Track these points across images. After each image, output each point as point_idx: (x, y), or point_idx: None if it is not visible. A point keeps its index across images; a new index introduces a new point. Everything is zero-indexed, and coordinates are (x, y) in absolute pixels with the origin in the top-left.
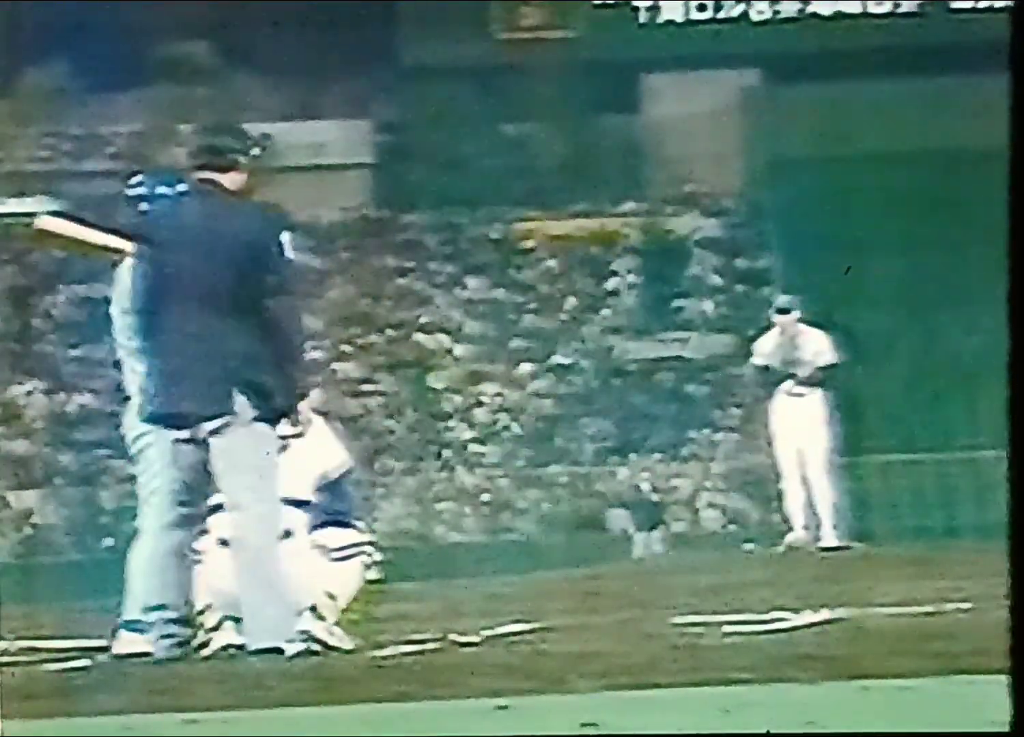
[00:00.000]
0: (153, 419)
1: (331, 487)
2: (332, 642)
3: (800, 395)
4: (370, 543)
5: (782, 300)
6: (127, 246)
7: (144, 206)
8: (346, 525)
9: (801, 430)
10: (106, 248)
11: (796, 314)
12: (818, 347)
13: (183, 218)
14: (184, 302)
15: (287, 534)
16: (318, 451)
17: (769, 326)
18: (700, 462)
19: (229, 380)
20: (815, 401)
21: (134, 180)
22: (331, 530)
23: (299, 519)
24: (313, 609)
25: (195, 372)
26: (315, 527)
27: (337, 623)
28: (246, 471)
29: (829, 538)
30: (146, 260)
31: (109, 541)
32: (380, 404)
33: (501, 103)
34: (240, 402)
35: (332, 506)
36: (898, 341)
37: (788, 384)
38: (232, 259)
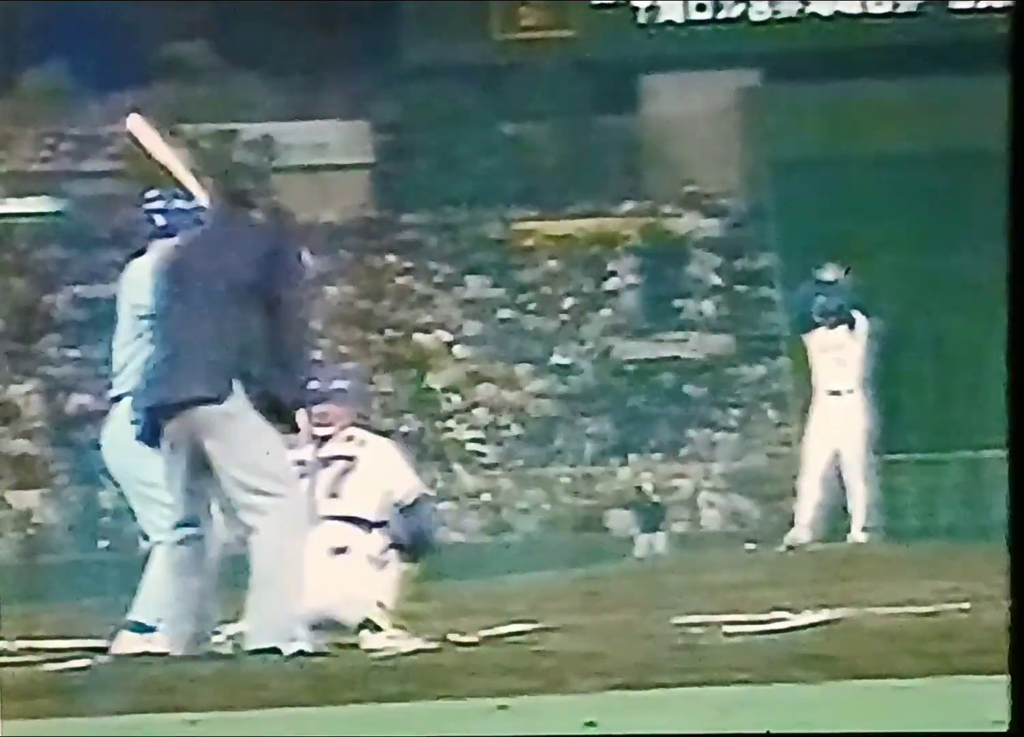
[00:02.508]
0: (148, 408)
1: (404, 512)
2: (403, 649)
3: (838, 393)
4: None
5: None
6: (196, 188)
7: (161, 220)
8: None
9: (839, 430)
10: (174, 174)
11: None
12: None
13: (208, 229)
14: (198, 302)
15: (342, 550)
16: (385, 473)
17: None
18: (700, 462)
19: (229, 369)
20: (856, 401)
21: (150, 195)
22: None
23: (357, 537)
24: (368, 622)
25: (194, 360)
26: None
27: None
28: (254, 470)
29: (858, 535)
30: (168, 263)
31: (108, 542)
32: (380, 404)
33: (500, 103)
34: (238, 392)
35: (398, 531)
36: (898, 341)
37: (828, 382)
38: (251, 268)
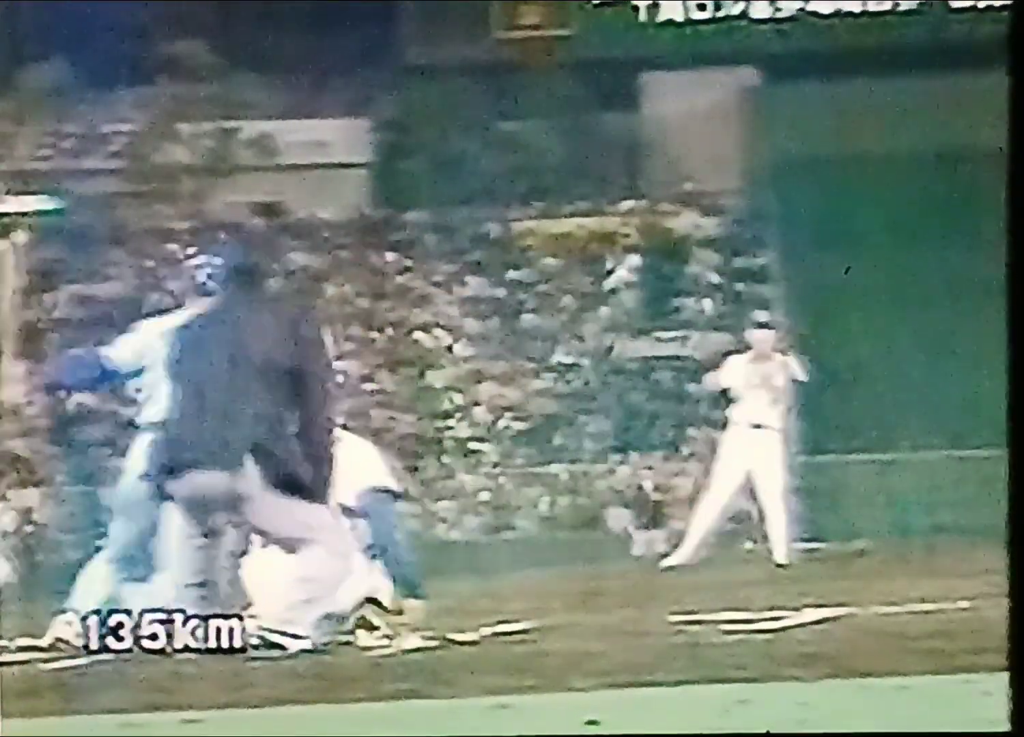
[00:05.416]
0: (157, 471)
1: (371, 504)
2: (402, 647)
3: (759, 426)
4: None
5: (762, 315)
6: None
7: (202, 277)
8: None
9: (757, 464)
10: None
11: (773, 333)
12: (786, 372)
13: (228, 302)
14: (216, 374)
15: None
16: (357, 467)
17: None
18: (700, 461)
19: (240, 445)
20: (773, 436)
21: (193, 254)
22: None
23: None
24: (363, 620)
25: (206, 432)
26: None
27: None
28: (283, 534)
29: (781, 557)
30: (190, 331)
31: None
32: (380, 402)
33: (500, 101)
34: (250, 470)
35: (369, 522)
36: (897, 340)
37: (747, 414)
38: (271, 346)
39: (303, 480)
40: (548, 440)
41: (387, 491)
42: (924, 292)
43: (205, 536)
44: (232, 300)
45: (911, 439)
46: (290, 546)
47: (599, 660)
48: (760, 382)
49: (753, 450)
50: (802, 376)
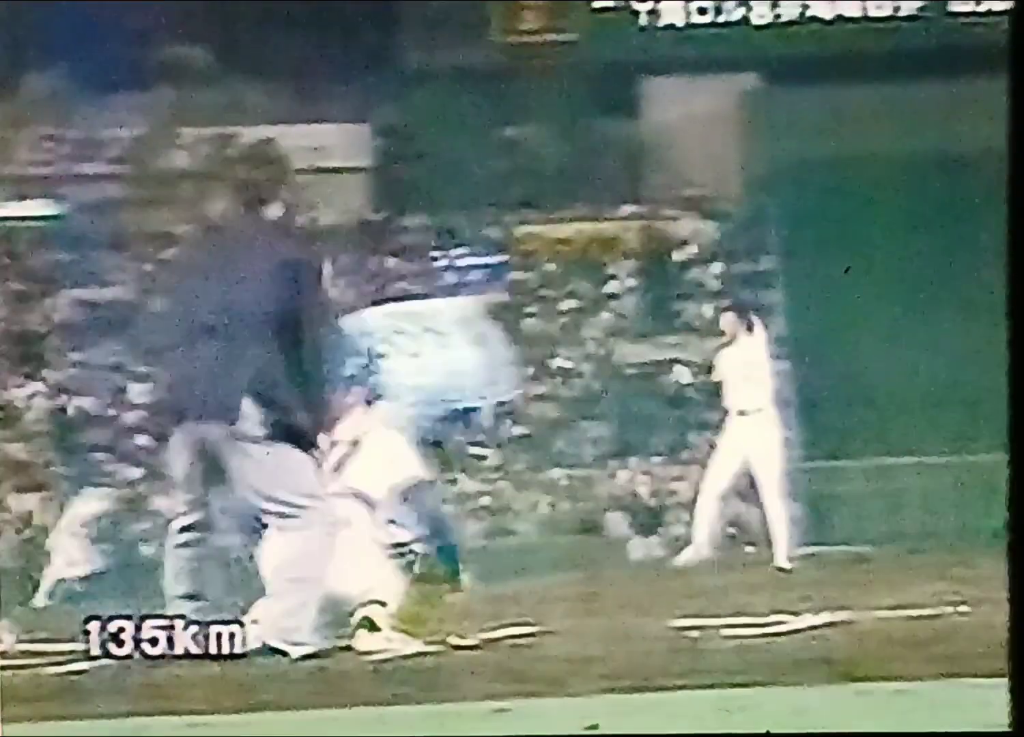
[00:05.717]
0: (158, 414)
1: (401, 496)
2: (396, 651)
3: (743, 413)
4: (415, 541)
5: (726, 300)
6: None
7: (476, 275)
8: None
9: (753, 451)
10: None
11: (736, 314)
12: (758, 348)
13: (232, 245)
14: (215, 317)
15: (345, 523)
16: (386, 458)
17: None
18: (700, 465)
19: (238, 391)
20: (763, 419)
21: (455, 253)
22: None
23: (360, 514)
24: (366, 621)
25: (204, 377)
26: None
27: (394, 628)
28: (277, 494)
29: (782, 561)
30: (192, 273)
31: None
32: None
33: (501, 106)
34: (249, 414)
35: (397, 512)
36: (898, 345)
37: (734, 402)
38: (270, 287)
39: (300, 427)
40: (548, 445)
41: (420, 480)
42: (925, 297)
43: (201, 542)
44: (232, 238)
45: (912, 443)
46: (283, 517)
47: (599, 664)
48: (739, 366)
49: (746, 437)
50: (763, 336)
